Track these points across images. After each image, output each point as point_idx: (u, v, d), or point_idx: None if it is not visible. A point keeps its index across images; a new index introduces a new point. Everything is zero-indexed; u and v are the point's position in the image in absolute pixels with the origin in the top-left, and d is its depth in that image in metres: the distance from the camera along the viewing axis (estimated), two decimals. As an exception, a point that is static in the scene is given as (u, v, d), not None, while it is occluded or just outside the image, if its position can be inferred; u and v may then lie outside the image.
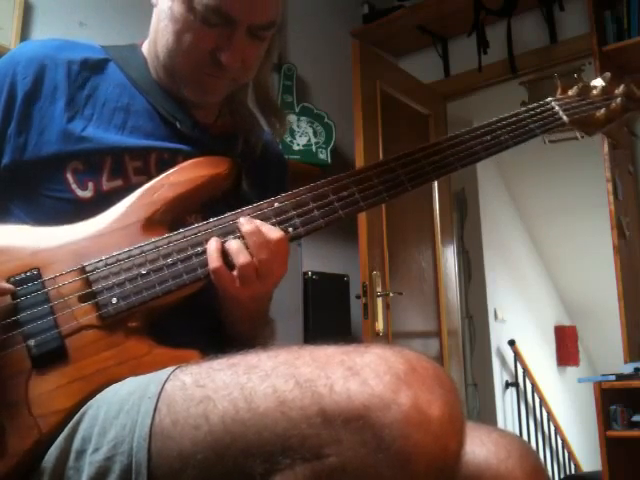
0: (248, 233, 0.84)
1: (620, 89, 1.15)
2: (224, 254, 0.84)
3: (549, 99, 1.12)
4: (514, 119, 1.04)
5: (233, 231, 0.86)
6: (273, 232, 0.85)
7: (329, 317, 2.93)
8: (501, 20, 3.22)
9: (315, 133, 2.96)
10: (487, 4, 3.15)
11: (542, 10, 3.21)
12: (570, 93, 1.15)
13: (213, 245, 0.84)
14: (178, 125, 0.98)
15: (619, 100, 1.13)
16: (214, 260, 0.83)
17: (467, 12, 3.19)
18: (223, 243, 0.84)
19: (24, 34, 2.14)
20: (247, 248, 0.83)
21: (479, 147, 1.00)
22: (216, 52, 0.92)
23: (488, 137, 1.01)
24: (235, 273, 0.83)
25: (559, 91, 1.15)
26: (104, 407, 0.71)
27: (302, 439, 0.58)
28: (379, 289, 2.77)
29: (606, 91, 1.16)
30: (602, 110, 1.13)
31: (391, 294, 2.83)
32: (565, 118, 1.09)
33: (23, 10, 2.14)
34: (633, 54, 2.86)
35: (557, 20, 3.20)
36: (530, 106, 1.09)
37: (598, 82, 1.18)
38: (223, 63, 0.92)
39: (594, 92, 1.15)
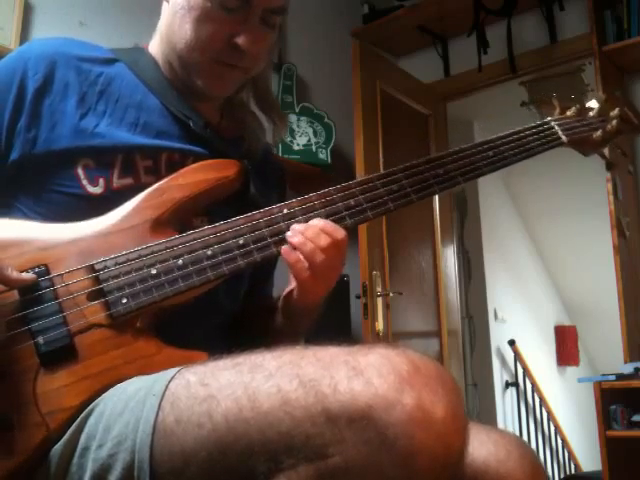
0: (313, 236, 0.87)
1: (615, 112, 1.20)
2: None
3: (549, 119, 1.16)
4: (516, 137, 1.08)
5: (243, 235, 0.87)
6: (339, 231, 0.89)
7: (329, 317, 2.92)
8: (501, 20, 3.22)
9: (315, 133, 2.96)
10: (487, 4, 3.15)
11: (542, 10, 3.21)
12: (568, 113, 1.19)
13: (293, 257, 0.87)
14: (191, 124, 0.98)
15: (614, 122, 1.18)
16: (303, 271, 0.87)
17: (467, 12, 3.19)
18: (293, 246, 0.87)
19: (24, 34, 2.14)
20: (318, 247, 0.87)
21: (482, 162, 1.03)
22: (233, 37, 0.94)
23: (491, 153, 1.04)
24: (309, 272, 0.87)
25: (557, 111, 1.20)
26: (110, 404, 0.72)
27: (306, 438, 0.58)
28: (379, 289, 2.77)
29: (602, 112, 1.21)
30: (598, 132, 1.17)
31: (391, 294, 2.83)
32: (564, 138, 1.13)
33: (23, 10, 2.13)
34: (633, 54, 2.87)
35: (557, 20, 3.20)
36: (531, 125, 1.12)
37: (594, 104, 1.23)
38: (240, 46, 0.93)
39: (591, 113, 1.21)
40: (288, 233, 0.88)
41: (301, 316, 0.99)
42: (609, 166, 1.27)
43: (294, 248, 0.87)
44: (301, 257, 0.86)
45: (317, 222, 0.88)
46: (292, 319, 1.00)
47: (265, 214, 0.89)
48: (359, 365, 0.60)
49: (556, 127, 1.13)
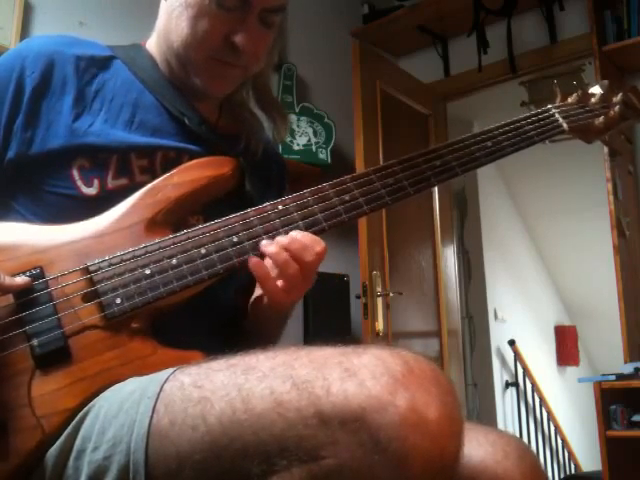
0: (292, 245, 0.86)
1: (618, 97, 1.16)
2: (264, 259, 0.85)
3: (549, 106, 1.12)
4: (514, 125, 1.05)
5: (237, 233, 0.87)
6: (317, 244, 0.87)
7: (329, 317, 2.93)
8: (501, 20, 3.22)
9: (315, 133, 2.96)
10: (487, 4, 3.15)
11: (542, 10, 3.20)
12: (570, 100, 1.15)
13: (256, 260, 0.85)
14: (187, 121, 0.98)
15: (617, 108, 1.14)
16: (267, 278, 0.85)
17: (467, 12, 3.19)
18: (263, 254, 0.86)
19: (24, 34, 2.14)
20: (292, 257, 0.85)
21: (480, 153, 1.00)
22: (230, 36, 0.93)
23: (489, 143, 1.01)
24: (281, 283, 0.86)
25: (559, 98, 1.16)
26: (105, 406, 0.72)
27: (299, 440, 0.57)
28: (379, 289, 2.77)
29: (604, 99, 1.16)
30: (601, 118, 1.13)
31: (391, 294, 2.83)
32: (565, 125, 1.09)
33: (23, 10, 2.14)
34: (633, 54, 2.86)
35: (557, 20, 3.19)
36: (530, 112, 1.09)
37: (597, 89, 1.18)
38: (238, 45, 0.93)
39: (593, 100, 1.16)
40: (263, 242, 0.86)
41: (269, 322, 0.99)
42: (613, 153, 1.23)
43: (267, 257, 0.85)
44: (271, 272, 0.85)
45: (296, 234, 0.86)
46: (260, 324, 1.00)
47: (259, 211, 0.89)
48: (353, 366, 0.60)
49: (557, 114, 1.10)
